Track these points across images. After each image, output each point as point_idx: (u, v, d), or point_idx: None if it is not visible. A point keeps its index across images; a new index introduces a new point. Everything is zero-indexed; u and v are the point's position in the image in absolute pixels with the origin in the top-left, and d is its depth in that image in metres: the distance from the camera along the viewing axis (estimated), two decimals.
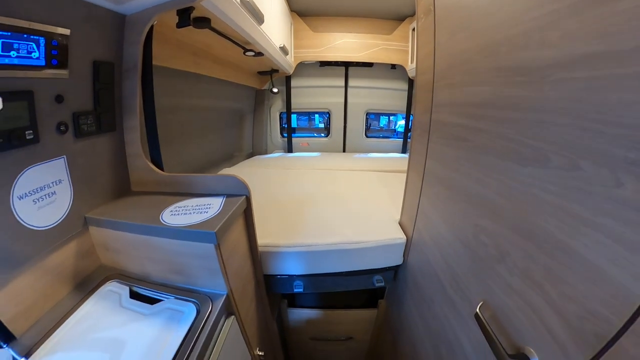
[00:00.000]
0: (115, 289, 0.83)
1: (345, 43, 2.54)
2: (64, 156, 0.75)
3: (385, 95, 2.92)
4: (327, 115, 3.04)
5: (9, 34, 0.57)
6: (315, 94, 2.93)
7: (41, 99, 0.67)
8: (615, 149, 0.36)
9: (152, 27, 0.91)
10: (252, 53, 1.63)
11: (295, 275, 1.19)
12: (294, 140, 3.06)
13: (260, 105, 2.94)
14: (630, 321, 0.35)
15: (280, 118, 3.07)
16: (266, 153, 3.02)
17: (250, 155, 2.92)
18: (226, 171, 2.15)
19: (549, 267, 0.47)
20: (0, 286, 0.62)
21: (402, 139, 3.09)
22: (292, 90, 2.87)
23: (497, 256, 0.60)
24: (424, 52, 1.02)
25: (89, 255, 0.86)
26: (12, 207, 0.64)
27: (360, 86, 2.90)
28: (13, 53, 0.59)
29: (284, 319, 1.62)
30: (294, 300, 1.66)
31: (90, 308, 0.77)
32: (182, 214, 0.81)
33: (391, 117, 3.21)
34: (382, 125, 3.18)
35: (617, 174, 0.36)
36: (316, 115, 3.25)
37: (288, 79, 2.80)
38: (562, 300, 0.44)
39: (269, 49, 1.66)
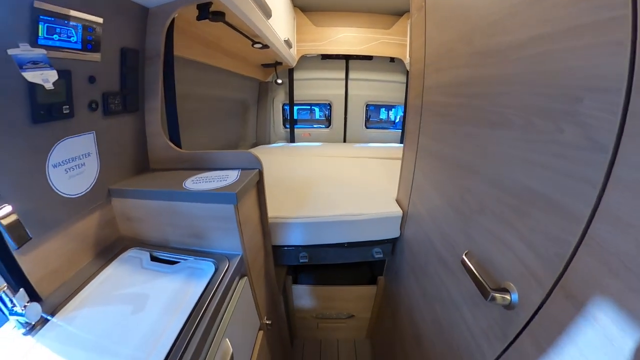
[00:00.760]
0: (135, 255, 0.89)
1: (346, 37, 2.63)
2: (94, 131, 0.82)
3: (384, 88, 3.02)
4: (328, 107, 3.15)
5: (53, 19, 0.64)
6: (317, 86, 3.03)
7: (77, 79, 0.74)
8: (555, 104, 0.48)
9: (173, 19, 1.02)
10: (260, 45, 1.73)
11: (301, 246, 1.30)
12: (296, 131, 3.17)
13: (264, 96, 3.03)
14: (582, 237, 0.43)
15: (283, 109, 3.17)
16: (269, 143, 3.12)
17: (254, 145, 3.02)
18: None
19: (517, 208, 0.56)
20: (32, 248, 0.67)
21: (400, 130, 3.19)
22: (295, 83, 2.98)
23: (478, 209, 0.70)
24: (416, 44, 1.12)
25: (110, 226, 0.93)
26: (47, 173, 0.70)
27: (361, 78, 2.99)
28: (55, 37, 0.66)
29: (289, 295, 1.72)
30: (298, 278, 1.76)
31: (113, 271, 0.82)
32: (203, 181, 0.91)
33: (390, 109, 3.31)
34: (381, 117, 3.28)
35: (558, 124, 0.47)
36: (316, 109, 3.35)
37: (291, 71, 2.91)
38: (531, 233, 0.53)
39: (275, 42, 1.76)
